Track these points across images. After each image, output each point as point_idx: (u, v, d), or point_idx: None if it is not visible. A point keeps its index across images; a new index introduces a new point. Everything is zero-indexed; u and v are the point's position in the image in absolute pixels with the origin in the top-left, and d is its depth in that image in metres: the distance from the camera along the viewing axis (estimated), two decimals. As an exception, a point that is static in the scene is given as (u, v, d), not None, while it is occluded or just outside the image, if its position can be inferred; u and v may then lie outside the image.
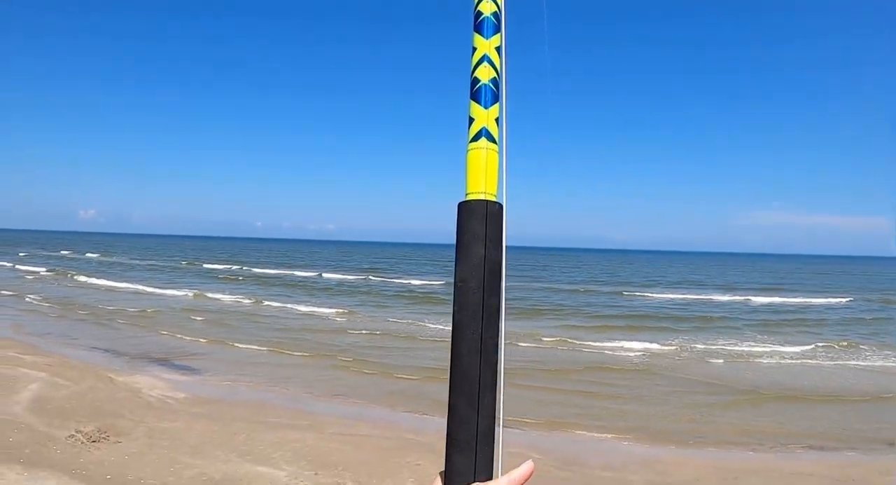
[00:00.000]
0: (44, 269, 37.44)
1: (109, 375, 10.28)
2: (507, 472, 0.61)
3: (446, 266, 61.08)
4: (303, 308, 22.81)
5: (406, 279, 39.91)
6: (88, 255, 60.12)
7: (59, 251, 65.37)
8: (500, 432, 0.68)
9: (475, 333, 0.76)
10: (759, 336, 18.22)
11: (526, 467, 0.60)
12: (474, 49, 1.22)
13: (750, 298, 31.04)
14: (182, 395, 9.51)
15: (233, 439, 7.43)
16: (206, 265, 49.17)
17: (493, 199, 1.07)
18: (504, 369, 0.68)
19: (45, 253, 60.81)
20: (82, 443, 6.83)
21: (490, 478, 0.61)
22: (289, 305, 23.49)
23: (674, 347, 15.96)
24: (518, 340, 16.02)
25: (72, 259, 52.43)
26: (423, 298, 27.58)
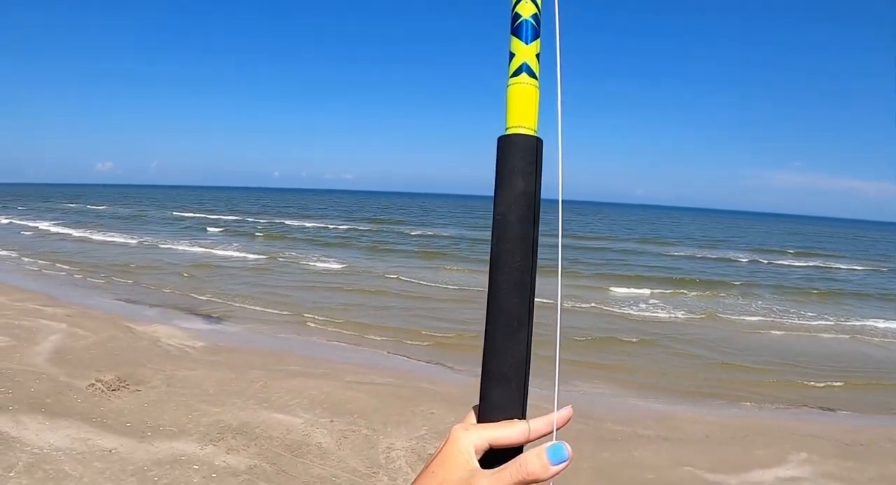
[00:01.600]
0: (48, 223, 37.78)
1: (128, 325, 10.40)
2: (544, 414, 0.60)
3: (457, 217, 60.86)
4: (315, 263, 22.93)
5: (418, 230, 39.85)
6: (98, 207, 60.79)
7: (68, 204, 66.17)
8: (558, 365, 0.69)
9: (513, 266, 0.78)
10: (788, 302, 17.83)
11: (566, 411, 0.60)
12: None
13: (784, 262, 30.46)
14: (200, 344, 9.62)
15: (250, 387, 7.50)
16: (201, 214, 49.51)
17: (533, 133, 1.02)
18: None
19: (60, 206, 61.60)
20: (102, 392, 6.92)
21: (524, 413, 0.60)
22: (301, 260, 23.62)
23: (698, 311, 15.79)
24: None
25: (81, 212, 53.04)
26: (433, 254, 27.48)
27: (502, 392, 0.63)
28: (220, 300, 14.03)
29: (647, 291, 17.69)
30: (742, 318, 14.84)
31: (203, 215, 49.44)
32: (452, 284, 17.41)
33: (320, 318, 12.44)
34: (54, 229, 33.35)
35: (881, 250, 46.89)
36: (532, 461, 0.53)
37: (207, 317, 12.24)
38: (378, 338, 11.11)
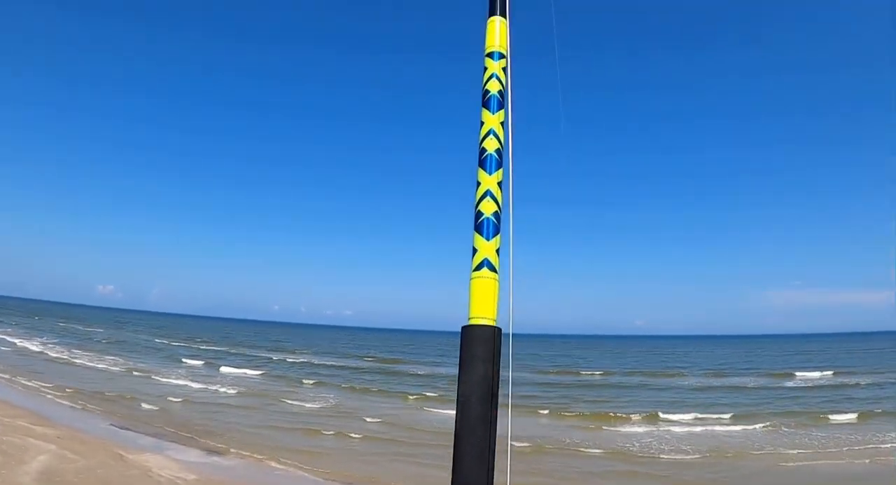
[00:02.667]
0: (47, 341, 37.13)
1: (119, 451, 9.74)
2: None
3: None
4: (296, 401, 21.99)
5: (413, 367, 38.64)
6: (96, 329, 60.01)
7: (66, 324, 65.47)
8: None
9: (474, 442, 0.93)
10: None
11: None
12: (478, 183, 1.61)
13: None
14: (193, 476, 8.90)
15: (247, 530, 6.79)
16: (203, 346, 48.57)
17: (493, 323, 1.32)
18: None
19: (59, 326, 60.91)
20: (88, 523, 6.28)
21: None
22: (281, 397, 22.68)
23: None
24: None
25: (77, 334, 52.33)
26: (422, 397, 26.47)
27: None
28: (212, 434, 13.22)
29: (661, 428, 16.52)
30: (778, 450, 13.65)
31: (199, 346, 48.55)
32: (429, 429, 16.19)
33: (305, 462, 11.60)
34: (51, 349, 32.67)
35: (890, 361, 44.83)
36: None
37: (201, 449, 11.44)
38: None
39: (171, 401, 17.45)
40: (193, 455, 10.71)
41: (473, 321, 1.33)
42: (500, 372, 1.29)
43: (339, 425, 15.16)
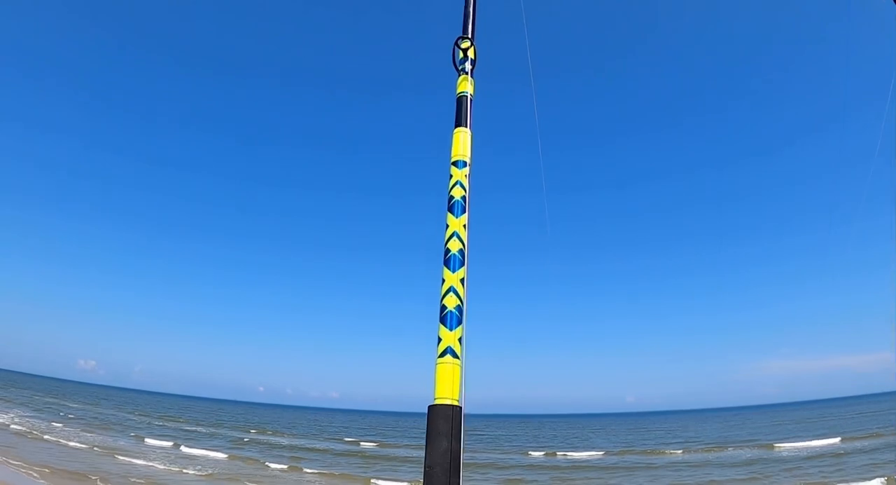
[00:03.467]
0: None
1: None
2: None
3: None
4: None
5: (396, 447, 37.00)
6: (72, 404, 57.69)
7: (44, 398, 63.03)
8: None
9: None
10: None
11: None
12: (443, 280, 1.85)
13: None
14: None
15: None
16: (178, 426, 46.70)
17: (456, 403, 1.53)
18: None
19: (36, 400, 58.64)
20: None
21: None
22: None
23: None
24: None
25: (55, 409, 50.39)
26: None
27: None
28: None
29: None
30: None
31: (173, 426, 46.67)
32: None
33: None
34: (19, 423, 31.50)
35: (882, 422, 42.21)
36: None
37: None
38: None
39: (134, 482, 16.83)
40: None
41: (438, 401, 1.55)
42: (462, 446, 1.48)
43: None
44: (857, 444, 28.31)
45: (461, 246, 1.85)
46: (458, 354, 1.63)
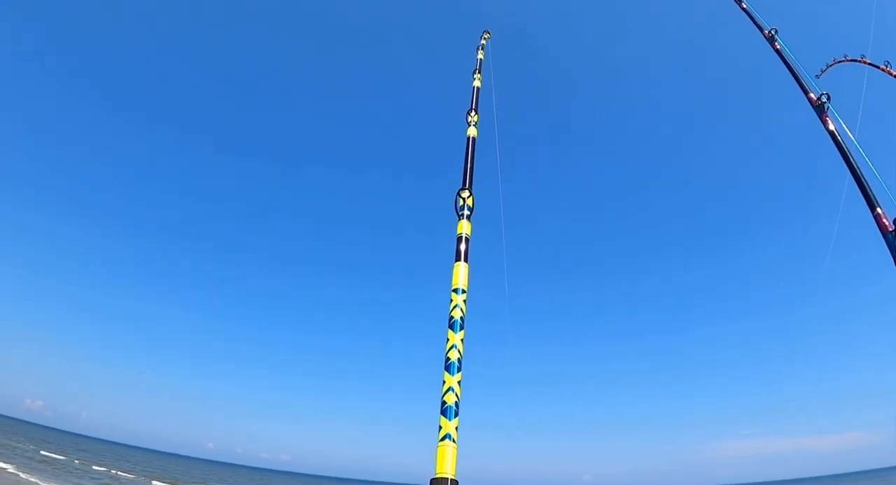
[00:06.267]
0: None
1: None
2: None
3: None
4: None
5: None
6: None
7: None
8: None
9: None
10: None
11: None
12: (444, 382, 2.35)
13: None
14: None
15: None
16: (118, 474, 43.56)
17: (454, 477, 1.92)
18: None
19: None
20: None
21: None
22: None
23: None
24: None
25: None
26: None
27: None
28: None
29: None
30: None
31: (133, 477, 43.71)
32: None
33: None
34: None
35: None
36: None
37: None
38: None
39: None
40: None
41: (439, 475, 1.96)
42: None
43: None
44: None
45: (459, 356, 2.37)
46: (455, 439, 2.09)
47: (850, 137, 4.24)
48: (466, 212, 2.84)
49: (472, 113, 3.53)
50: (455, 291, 2.53)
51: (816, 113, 4.52)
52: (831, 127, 4.31)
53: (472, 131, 3.35)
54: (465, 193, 2.91)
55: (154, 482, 40.74)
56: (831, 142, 4.26)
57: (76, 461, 47.67)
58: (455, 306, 2.48)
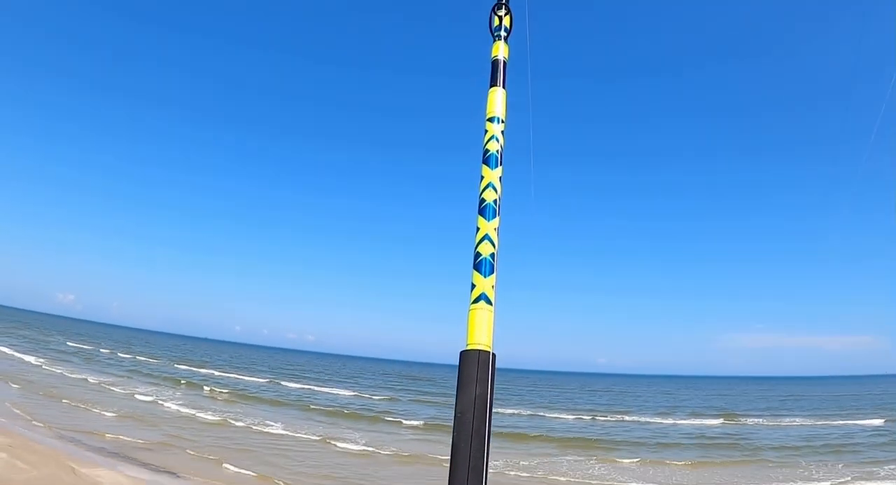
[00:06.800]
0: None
1: (72, 464, 9.49)
2: None
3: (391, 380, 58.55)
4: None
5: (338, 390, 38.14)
6: (49, 338, 58.00)
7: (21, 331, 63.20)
8: None
9: (468, 455, 1.03)
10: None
11: None
12: (478, 228, 1.85)
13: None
14: (146, 495, 8.73)
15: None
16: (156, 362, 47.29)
17: (488, 349, 1.49)
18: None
19: (12, 332, 58.74)
20: (34, 535, 6.16)
21: None
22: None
23: None
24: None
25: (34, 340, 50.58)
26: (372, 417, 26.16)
27: None
28: (172, 450, 12.94)
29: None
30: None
31: (159, 362, 47.30)
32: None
33: (280, 481, 11.43)
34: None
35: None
36: None
37: (153, 467, 11.19)
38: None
39: (119, 413, 16.99)
40: (147, 473, 10.47)
41: (471, 347, 1.52)
42: (493, 392, 1.46)
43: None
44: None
45: (496, 196, 1.93)
46: (492, 300, 1.63)
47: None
48: (503, 33, 2.39)
49: None
50: (490, 120, 2.13)
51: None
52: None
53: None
54: (502, 11, 2.41)
55: (178, 366, 44.11)
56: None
57: (103, 350, 51.26)
58: (491, 138, 2.08)
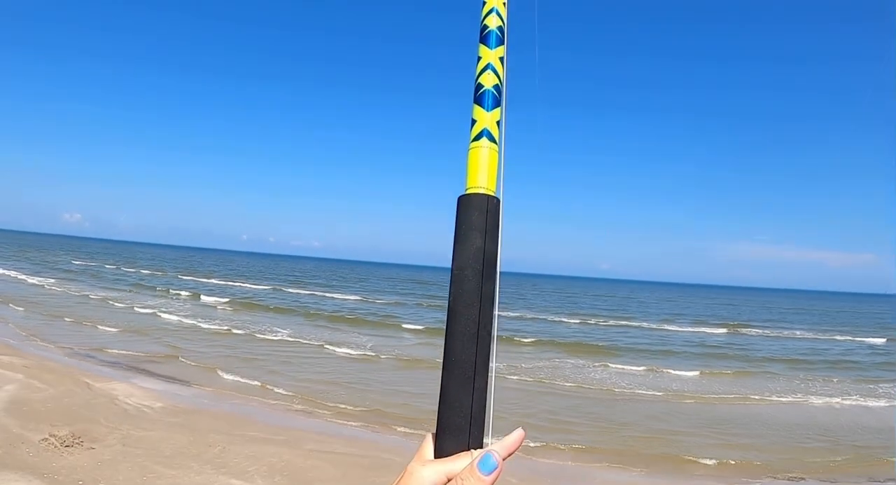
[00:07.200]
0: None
1: (86, 380, 10.16)
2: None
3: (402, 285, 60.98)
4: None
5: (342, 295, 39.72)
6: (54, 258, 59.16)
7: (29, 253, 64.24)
8: (490, 410, 0.69)
9: (469, 320, 0.77)
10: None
11: (517, 434, 0.63)
12: (479, 58, 1.40)
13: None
14: (159, 404, 9.43)
15: (208, 451, 7.40)
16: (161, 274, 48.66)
17: (492, 193, 1.08)
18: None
19: (20, 255, 59.72)
20: (56, 447, 6.77)
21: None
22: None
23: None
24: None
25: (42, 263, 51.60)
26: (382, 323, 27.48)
27: (456, 442, 0.64)
28: (178, 362, 13.79)
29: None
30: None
31: (163, 274, 48.60)
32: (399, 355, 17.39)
33: (280, 388, 12.32)
34: (12, 275, 32.35)
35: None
36: (466, 478, 0.57)
37: (166, 377, 12.00)
38: (336, 408, 11.05)
39: (124, 328, 17.86)
40: (158, 384, 11.26)
41: (471, 190, 1.20)
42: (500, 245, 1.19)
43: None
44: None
45: (497, 82, 1.48)
46: (496, 138, 1.26)
47: None
48: None
49: None
50: None
51: None
52: None
53: None
54: None
55: (183, 277, 45.45)
56: None
57: (108, 266, 52.52)
58: (490, 11, 1.51)
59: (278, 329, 20.91)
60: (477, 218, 1.01)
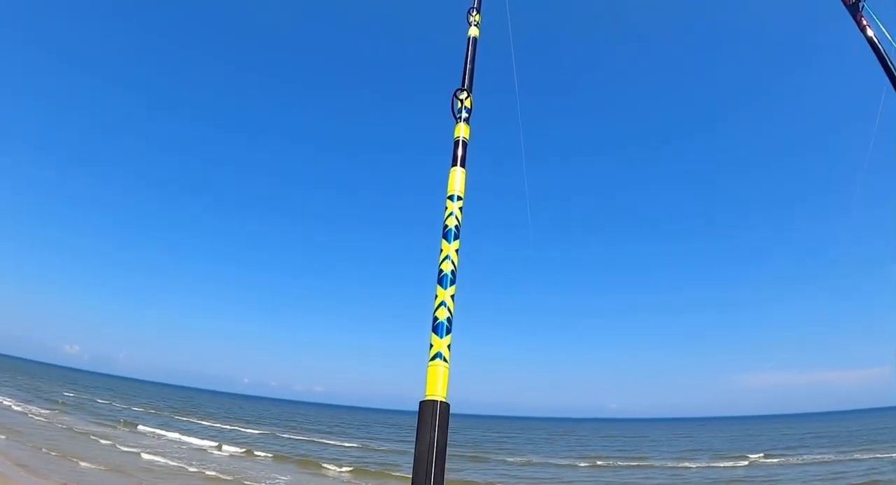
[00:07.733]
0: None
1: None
2: None
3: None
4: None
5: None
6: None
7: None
8: None
9: None
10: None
11: None
12: (436, 296, 2.06)
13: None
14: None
15: None
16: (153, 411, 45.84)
17: (444, 400, 1.70)
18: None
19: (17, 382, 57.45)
20: None
21: None
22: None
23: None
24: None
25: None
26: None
27: None
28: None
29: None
30: None
31: (157, 412, 46.01)
32: None
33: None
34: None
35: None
36: None
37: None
38: None
39: (105, 466, 16.13)
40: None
41: (428, 397, 1.76)
42: (447, 438, 1.68)
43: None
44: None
45: (453, 268, 2.14)
46: (447, 358, 1.88)
47: (889, 40, 3.56)
48: (465, 114, 2.68)
49: (474, 12, 3.33)
50: (450, 198, 2.36)
51: (850, 13, 3.80)
52: (869, 33, 3.62)
53: (473, 31, 3.20)
54: (464, 95, 2.76)
55: (178, 417, 42.70)
56: (868, 47, 3.56)
57: (100, 401, 49.96)
58: (450, 214, 2.31)
59: (276, 476, 18.83)
60: (431, 419, 1.60)
